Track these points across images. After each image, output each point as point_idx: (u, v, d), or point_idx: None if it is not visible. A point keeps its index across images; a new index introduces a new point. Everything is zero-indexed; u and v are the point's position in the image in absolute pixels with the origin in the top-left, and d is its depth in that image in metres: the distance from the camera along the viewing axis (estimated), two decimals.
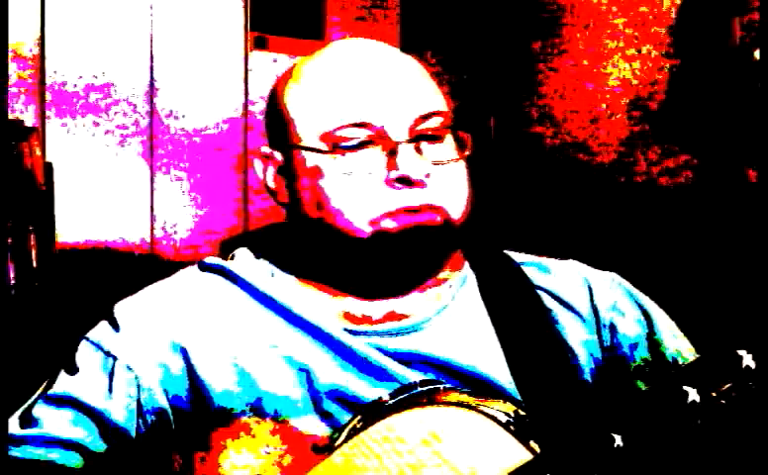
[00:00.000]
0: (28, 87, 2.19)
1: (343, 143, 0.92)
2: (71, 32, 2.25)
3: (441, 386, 0.89)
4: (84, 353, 0.94)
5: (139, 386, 0.91)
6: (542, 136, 2.33)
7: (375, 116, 0.92)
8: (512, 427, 0.81)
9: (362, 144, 0.92)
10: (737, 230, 1.83)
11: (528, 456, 0.79)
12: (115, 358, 0.92)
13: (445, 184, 0.93)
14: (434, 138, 0.94)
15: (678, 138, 2.04)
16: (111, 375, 0.92)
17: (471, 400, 0.85)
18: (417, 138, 0.92)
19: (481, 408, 0.83)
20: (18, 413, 0.92)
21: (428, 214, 0.91)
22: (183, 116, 2.41)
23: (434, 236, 0.92)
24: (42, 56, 2.21)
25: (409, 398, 0.87)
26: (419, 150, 0.92)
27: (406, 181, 0.90)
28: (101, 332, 0.95)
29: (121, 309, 0.96)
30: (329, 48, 1.00)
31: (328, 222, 0.93)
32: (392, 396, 0.88)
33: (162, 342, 0.93)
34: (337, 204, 0.92)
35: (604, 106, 2.20)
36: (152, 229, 2.36)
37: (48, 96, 2.22)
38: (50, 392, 0.91)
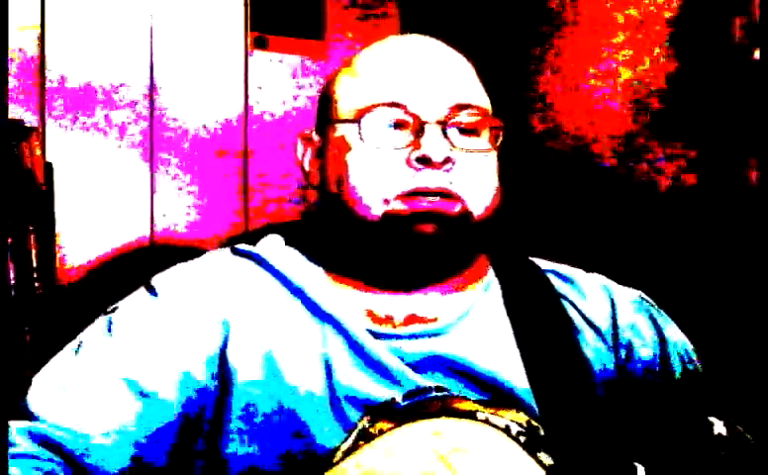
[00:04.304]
0: (28, 87, 2.19)
1: (375, 121, 0.92)
2: (71, 32, 2.25)
3: (455, 394, 0.88)
4: (122, 323, 0.90)
5: (181, 359, 0.87)
6: (543, 136, 2.33)
7: (409, 99, 0.92)
8: (521, 438, 0.79)
9: (394, 126, 0.92)
10: (738, 230, 1.83)
11: (539, 472, 0.77)
12: (156, 327, 0.89)
13: (470, 176, 0.92)
14: (470, 131, 0.94)
15: (678, 138, 2.03)
16: (155, 347, 0.87)
17: (483, 409, 0.85)
18: (447, 124, 0.92)
19: (492, 420, 0.82)
20: (44, 375, 0.87)
21: (443, 202, 0.90)
22: (183, 116, 2.41)
23: (448, 224, 0.91)
24: (42, 57, 2.21)
25: (422, 402, 0.86)
26: (446, 135, 0.91)
27: (426, 161, 0.90)
28: (139, 300, 0.92)
29: (160, 280, 0.94)
30: (384, 40, 1.00)
31: (344, 199, 0.92)
32: (405, 398, 0.87)
33: (205, 316, 0.90)
34: (356, 180, 0.91)
35: (604, 106, 2.20)
36: (152, 228, 2.36)
37: (48, 96, 2.22)
38: (90, 361, 0.86)
